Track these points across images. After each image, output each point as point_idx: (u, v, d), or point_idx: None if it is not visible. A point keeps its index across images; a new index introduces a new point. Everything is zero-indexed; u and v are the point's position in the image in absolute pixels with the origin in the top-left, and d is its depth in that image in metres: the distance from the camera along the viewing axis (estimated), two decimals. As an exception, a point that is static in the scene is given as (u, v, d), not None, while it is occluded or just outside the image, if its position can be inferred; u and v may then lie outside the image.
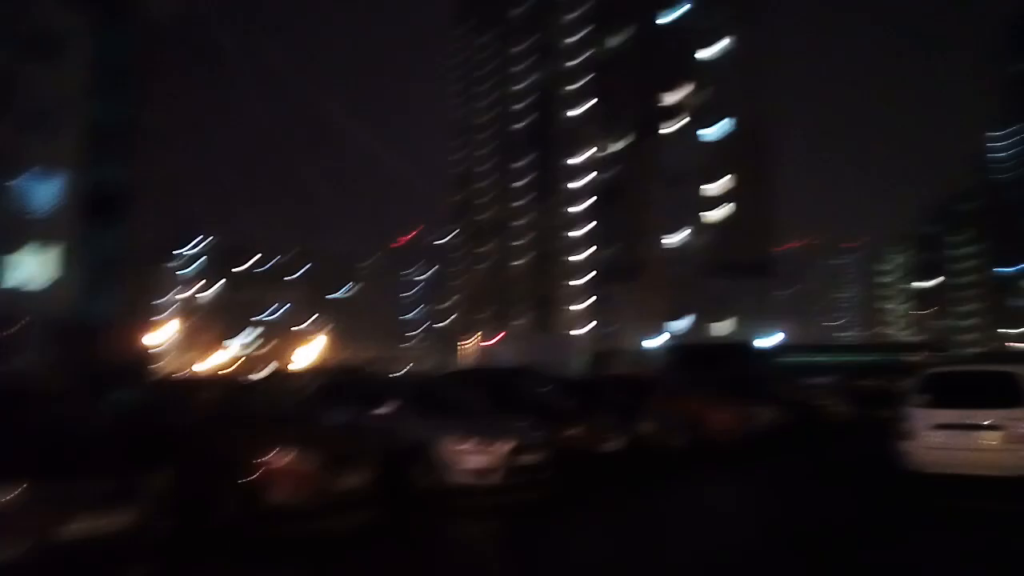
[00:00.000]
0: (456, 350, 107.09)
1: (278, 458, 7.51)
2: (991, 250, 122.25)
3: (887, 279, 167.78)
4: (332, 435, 8.76)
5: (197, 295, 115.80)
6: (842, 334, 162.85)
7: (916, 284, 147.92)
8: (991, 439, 8.75)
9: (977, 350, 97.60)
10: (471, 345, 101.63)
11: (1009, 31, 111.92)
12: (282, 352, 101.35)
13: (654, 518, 9.13)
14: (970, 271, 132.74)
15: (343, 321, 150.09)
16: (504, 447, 9.55)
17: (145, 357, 38.78)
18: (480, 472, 9.40)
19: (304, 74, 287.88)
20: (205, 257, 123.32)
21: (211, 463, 7.21)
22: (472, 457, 9.42)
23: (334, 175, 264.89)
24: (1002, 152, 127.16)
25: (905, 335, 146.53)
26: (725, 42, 74.63)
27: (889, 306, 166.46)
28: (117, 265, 37.04)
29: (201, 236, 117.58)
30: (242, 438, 7.72)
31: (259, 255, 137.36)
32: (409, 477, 9.25)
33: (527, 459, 9.74)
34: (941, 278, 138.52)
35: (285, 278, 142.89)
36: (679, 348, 32.79)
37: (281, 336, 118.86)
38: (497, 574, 7.14)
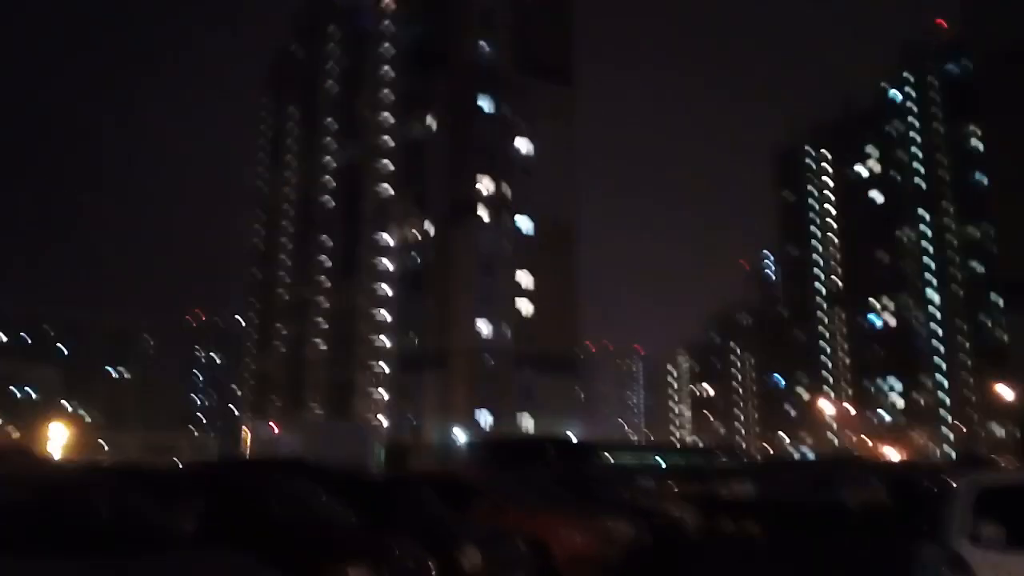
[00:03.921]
0: (242, 439, 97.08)
1: None
2: (765, 359, 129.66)
3: (674, 383, 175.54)
4: None
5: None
6: (631, 435, 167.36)
7: (700, 388, 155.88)
8: None
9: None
10: (253, 433, 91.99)
11: (777, 163, 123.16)
12: (33, 437, 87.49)
13: None
14: (748, 378, 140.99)
15: (116, 403, 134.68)
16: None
17: None
18: None
19: (99, 131, 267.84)
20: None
21: None
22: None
23: (117, 241, 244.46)
24: (772, 268, 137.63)
25: (690, 436, 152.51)
26: (538, 136, 74.51)
27: (676, 409, 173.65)
28: None
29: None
30: None
31: (13, 326, 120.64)
32: None
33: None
34: (722, 384, 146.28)
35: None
36: (493, 443, 28.46)
37: (35, 419, 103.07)
38: None
